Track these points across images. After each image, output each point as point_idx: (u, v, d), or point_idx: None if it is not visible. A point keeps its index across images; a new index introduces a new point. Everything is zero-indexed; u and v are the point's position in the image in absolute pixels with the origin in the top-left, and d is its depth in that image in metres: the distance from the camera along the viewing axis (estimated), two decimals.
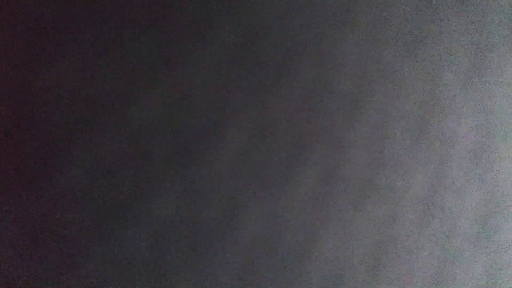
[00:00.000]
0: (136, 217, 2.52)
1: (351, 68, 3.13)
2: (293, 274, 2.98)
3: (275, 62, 2.87)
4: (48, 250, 2.31)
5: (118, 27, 2.43)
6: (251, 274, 2.85)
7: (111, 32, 2.42)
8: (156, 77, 2.54)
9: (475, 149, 3.73)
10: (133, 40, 2.47)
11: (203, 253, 2.70)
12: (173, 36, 2.57)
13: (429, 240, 3.52)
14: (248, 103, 2.79)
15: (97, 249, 2.42)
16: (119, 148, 2.46)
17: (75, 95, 2.35)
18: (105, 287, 2.45)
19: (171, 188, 2.60)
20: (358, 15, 3.14)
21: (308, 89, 2.98)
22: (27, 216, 2.26)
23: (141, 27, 2.49)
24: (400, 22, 3.31)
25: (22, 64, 2.23)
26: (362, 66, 3.17)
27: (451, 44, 3.56)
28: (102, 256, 2.43)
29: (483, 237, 3.80)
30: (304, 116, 2.98)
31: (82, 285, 2.39)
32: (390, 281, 3.36)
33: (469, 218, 3.72)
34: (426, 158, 3.48)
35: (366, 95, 3.20)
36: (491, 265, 3.86)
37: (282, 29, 2.88)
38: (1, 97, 2.19)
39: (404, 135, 3.37)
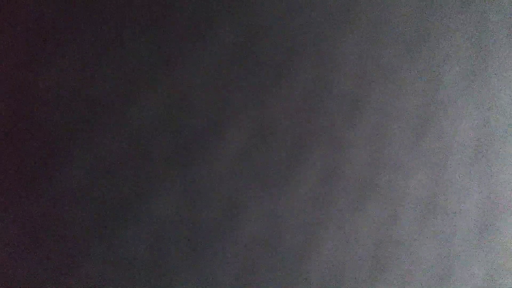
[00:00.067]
0: (136, 217, 2.52)
1: (351, 68, 3.13)
2: (293, 274, 2.98)
3: (275, 62, 2.87)
4: (48, 250, 2.31)
5: (118, 27, 2.43)
6: (251, 274, 2.85)
7: (111, 32, 2.42)
8: (156, 77, 2.54)
9: (475, 149, 3.73)
10: (133, 40, 2.47)
11: (203, 253, 2.70)
12: (173, 36, 2.57)
13: (429, 240, 3.52)
14: (248, 103, 2.80)
15: (97, 249, 2.42)
16: (119, 148, 2.46)
17: (75, 95, 2.35)
18: (105, 287, 2.45)
19: (171, 188, 2.60)
20: (358, 15, 3.14)
21: (308, 89, 2.98)
22: (27, 216, 2.26)
23: (141, 27, 2.49)
24: (400, 22, 3.31)
25: (22, 64, 2.23)
26: (362, 66, 3.17)
27: (451, 44, 3.56)
28: (102, 256, 2.44)
29: (483, 237, 3.80)
30: (304, 116, 2.98)
31: (82, 285, 2.39)
32: (390, 281, 3.36)
33: (469, 218, 3.72)
34: (426, 158, 3.48)
35: (366, 95, 3.20)
36: (491, 265, 3.86)
37: (282, 29, 2.88)
38: (1, 97, 2.19)
39: (404, 135, 3.37)
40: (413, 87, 3.40)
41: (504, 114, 3.87)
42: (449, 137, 3.59)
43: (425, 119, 3.46)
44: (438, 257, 3.57)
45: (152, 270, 2.57)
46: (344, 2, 3.09)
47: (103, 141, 2.42)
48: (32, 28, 2.24)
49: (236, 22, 2.74)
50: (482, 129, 3.75)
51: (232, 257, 2.78)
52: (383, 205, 3.30)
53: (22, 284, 2.26)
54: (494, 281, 3.89)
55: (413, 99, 3.40)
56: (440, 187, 3.56)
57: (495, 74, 3.81)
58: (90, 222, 2.41)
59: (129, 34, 2.47)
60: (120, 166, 2.47)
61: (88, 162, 2.39)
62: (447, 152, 3.58)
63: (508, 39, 3.87)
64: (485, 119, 3.76)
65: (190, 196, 2.65)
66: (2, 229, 2.22)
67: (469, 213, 3.72)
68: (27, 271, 2.27)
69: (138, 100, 2.50)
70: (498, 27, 3.81)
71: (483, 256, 3.80)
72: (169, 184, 2.60)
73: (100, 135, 2.41)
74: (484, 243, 3.80)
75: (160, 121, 2.56)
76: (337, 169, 3.11)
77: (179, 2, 2.59)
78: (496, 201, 3.86)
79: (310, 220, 3.03)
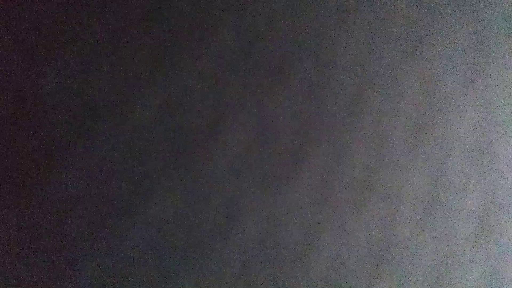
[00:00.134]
0: (136, 217, 2.52)
1: (351, 68, 3.13)
2: (293, 274, 2.98)
3: (275, 62, 2.87)
4: (48, 250, 2.31)
5: (118, 27, 2.43)
6: (251, 274, 2.85)
7: (111, 32, 2.42)
8: (156, 77, 2.54)
9: (475, 148, 3.73)
10: (133, 40, 2.47)
11: (203, 253, 2.70)
12: (173, 36, 2.57)
13: (429, 240, 3.52)
14: (248, 103, 2.79)
15: (97, 249, 2.42)
16: (118, 148, 2.46)
17: (75, 95, 2.35)
18: (105, 287, 2.45)
19: (170, 188, 2.60)
20: (358, 15, 3.14)
21: (308, 89, 2.98)
22: (27, 216, 2.26)
23: (141, 27, 2.49)
24: (400, 22, 3.31)
25: (22, 64, 2.23)
26: (362, 66, 3.17)
27: (451, 44, 3.56)
28: (102, 256, 2.44)
29: (483, 237, 3.80)
30: (304, 116, 2.98)
31: (82, 285, 2.39)
32: (390, 281, 3.36)
33: (469, 218, 3.72)
34: (425, 158, 3.48)
35: (366, 95, 3.20)
36: (491, 265, 3.86)
37: (282, 29, 2.88)
38: (1, 97, 2.19)
39: (404, 135, 3.37)
40: (413, 87, 3.40)
41: (504, 114, 3.87)
42: (449, 137, 3.59)
43: (425, 119, 3.46)
44: (438, 257, 3.57)
45: (152, 270, 2.57)
46: (344, 2, 3.09)
47: (102, 141, 2.42)
48: (32, 28, 2.24)
49: (235, 22, 2.74)
50: (482, 129, 3.75)
51: (232, 257, 2.78)
52: (383, 205, 3.30)
53: (22, 284, 2.26)
54: (493, 282, 3.89)
55: (413, 99, 3.40)
56: (440, 187, 3.56)
57: (495, 74, 3.81)
58: (89, 223, 2.41)
59: (129, 34, 2.47)
60: (119, 166, 2.47)
61: (87, 162, 2.39)
62: (447, 152, 3.59)
63: (508, 39, 3.87)
64: (485, 119, 3.76)
65: (189, 196, 2.65)
66: (2, 229, 2.22)
67: (468, 213, 3.72)
68: (27, 271, 2.27)
69: (138, 100, 2.50)
70: (498, 27, 3.81)
71: (482, 256, 3.80)
72: (169, 184, 2.60)
73: (99, 135, 2.41)
74: (483, 243, 3.80)
75: (160, 121, 2.56)
76: (337, 169, 3.11)
77: (179, 2, 2.59)
78: (496, 201, 3.86)
79: (310, 220, 3.03)
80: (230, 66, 2.73)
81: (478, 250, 3.77)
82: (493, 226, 3.85)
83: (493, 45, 3.78)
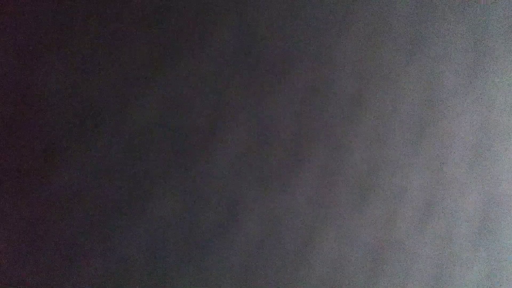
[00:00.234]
0: (135, 218, 2.52)
1: (351, 68, 3.13)
2: (293, 274, 2.98)
3: (275, 62, 2.87)
4: (48, 250, 2.31)
5: (118, 27, 2.43)
6: (251, 274, 2.85)
7: (111, 32, 2.42)
8: (155, 77, 2.54)
9: (475, 149, 3.73)
10: (133, 40, 2.47)
11: (202, 254, 2.70)
12: (173, 36, 2.57)
13: (428, 240, 3.52)
14: (248, 103, 2.79)
15: (97, 250, 2.42)
16: (118, 148, 2.46)
17: (75, 95, 2.35)
18: (105, 287, 2.45)
19: (170, 189, 2.60)
20: (357, 16, 3.14)
21: (308, 89, 2.98)
22: (27, 216, 2.26)
23: (141, 27, 2.49)
24: (399, 22, 3.31)
25: (22, 64, 2.23)
26: (362, 66, 3.17)
27: (451, 44, 3.56)
28: (101, 256, 2.44)
29: (483, 237, 3.80)
30: (304, 116, 2.98)
31: (82, 285, 2.39)
32: (390, 281, 3.36)
33: (469, 218, 3.72)
34: (426, 158, 3.48)
35: (366, 95, 3.20)
36: (491, 265, 3.86)
37: (282, 29, 2.88)
38: (1, 97, 2.19)
39: (404, 135, 3.37)
40: (413, 87, 3.40)
41: (504, 114, 3.87)
42: (449, 137, 3.59)
43: (425, 119, 3.46)
44: (438, 257, 3.57)
45: (151, 271, 2.57)
46: (344, 2, 3.09)
47: (102, 141, 2.42)
48: (32, 28, 2.24)
49: (235, 22, 2.74)
50: (482, 129, 3.75)
51: (232, 257, 2.78)
52: (383, 205, 3.30)
53: (22, 284, 2.26)
54: (493, 281, 3.89)
55: (413, 99, 3.40)
56: (440, 187, 3.56)
57: (495, 74, 3.81)
58: (89, 223, 2.41)
59: (129, 34, 2.46)
60: (119, 166, 2.47)
61: (87, 162, 2.39)
62: (447, 152, 3.58)
63: (508, 39, 3.87)
64: (485, 119, 3.76)
65: (189, 196, 2.65)
66: (2, 229, 2.22)
67: (468, 213, 3.72)
68: (26, 271, 2.27)
69: (137, 100, 2.50)
70: (498, 27, 3.81)
71: (482, 256, 3.80)
72: (169, 184, 2.59)
73: (99, 135, 2.41)
74: (483, 243, 3.80)
75: (160, 121, 2.56)
76: (337, 169, 3.11)
77: (179, 2, 2.59)
78: (496, 201, 3.86)
79: (310, 220, 3.03)
80: (230, 66, 2.73)
81: (478, 250, 3.77)
82: (493, 226, 3.85)
83: (493, 45, 3.78)
